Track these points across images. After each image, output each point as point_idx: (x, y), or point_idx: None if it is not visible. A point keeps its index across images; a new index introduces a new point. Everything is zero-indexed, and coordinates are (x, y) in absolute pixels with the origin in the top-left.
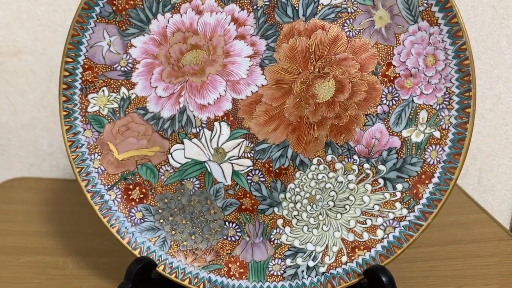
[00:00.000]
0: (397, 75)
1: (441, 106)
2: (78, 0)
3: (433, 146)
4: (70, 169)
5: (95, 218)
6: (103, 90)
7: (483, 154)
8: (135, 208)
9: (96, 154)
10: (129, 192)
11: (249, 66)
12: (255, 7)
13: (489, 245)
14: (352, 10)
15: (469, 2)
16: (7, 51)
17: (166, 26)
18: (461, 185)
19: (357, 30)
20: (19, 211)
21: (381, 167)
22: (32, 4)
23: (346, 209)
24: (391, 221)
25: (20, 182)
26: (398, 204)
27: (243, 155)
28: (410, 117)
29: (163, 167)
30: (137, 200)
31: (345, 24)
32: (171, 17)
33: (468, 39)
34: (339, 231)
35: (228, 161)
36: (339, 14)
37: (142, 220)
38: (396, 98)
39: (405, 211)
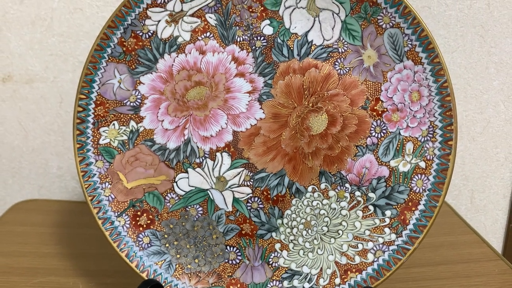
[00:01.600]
0: (385, 109)
1: (425, 139)
2: (87, 31)
3: (419, 176)
4: (78, 191)
5: (103, 240)
6: (113, 124)
7: (475, 176)
8: (143, 234)
9: (107, 183)
10: (137, 218)
11: (248, 101)
12: (253, 47)
13: (478, 265)
14: (343, 50)
15: (458, 32)
16: (20, 79)
17: (172, 64)
18: (455, 205)
19: (348, 68)
20: (31, 232)
21: (371, 194)
22: (44, 36)
23: (339, 234)
24: (380, 245)
25: (31, 204)
26: (387, 230)
27: (243, 183)
28: (398, 148)
29: (168, 194)
30: (145, 225)
31: (336, 63)
32: (177, 56)
33: (449, 77)
34: (332, 254)
35: (229, 189)
36: (330, 53)
37: (149, 245)
38: (384, 131)
39: (393, 236)
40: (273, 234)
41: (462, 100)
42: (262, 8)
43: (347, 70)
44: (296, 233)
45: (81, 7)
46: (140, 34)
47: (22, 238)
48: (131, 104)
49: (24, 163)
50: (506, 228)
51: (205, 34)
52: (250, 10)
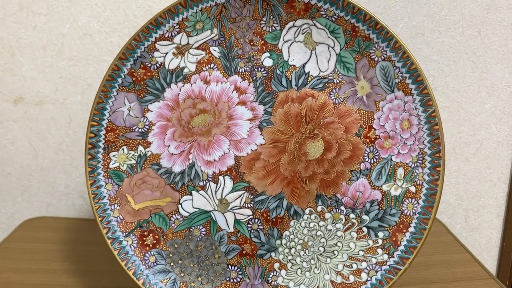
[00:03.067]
0: (377, 136)
1: (415, 165)
2: (96, 56)
3: (409, 199)
4: (85, 208)
5: (111, 258)
6: (123, 149)
7: (469, 195)
8: (149, 253)
9: (115, 205)
10: (144, 238)
11: (250, 128)
12: (254, 78)
13: (470, 284)
14: (338, 81)
15: (450, 58)
16: (31, 100)
17: (179, 93)
18: (450, 224)
19: (342, 97)
20: (39, 249)
21: (364, 217)
22: (54, 60)
23: (334, 254)
24: (374, 265)
25: (39, 221)
26: (380, 250)
27: (244, 205)
28: (389, 173)
29: (173, 215)
30: (151, 245)
31: (332, 93)
32: (183, 86)
33: (437, 107)
34: (328, 274)
35: (231, 210)
36: (326, 84)
37: (155, 263)
38: (377, 157)
39: (386, 257)
40: (272, 254)
41: (456, 123)
42: (263, 41)
43: (341, 100)
44: (294, 253)
45: (90, 33)
46: (149, 65)
47: (31, 255)
48: (140, 130)
49: (33, 181)
50: (500, 246)
51: (209, 65)
52: (251, 43)
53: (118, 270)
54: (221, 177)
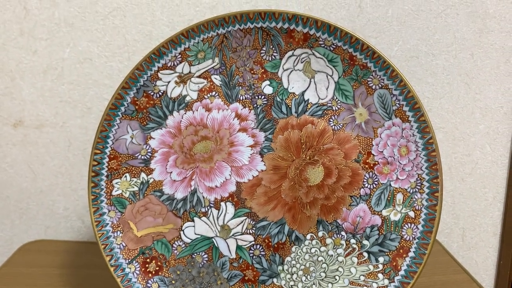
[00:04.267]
0: (376, 162)
1: (414, 190)
2: (96, 80)
3: (409, 224)
4: (84, 231)
5: (112, 282)
6: (125, 176)
7: (466, 214)
8: (152, 280)
9: (118, 232)
10: (147, 265)
11: (251, 154)
12: (255, 105)
13: None
14: (336, 108)
15: (445, 80)
16: (31, 124)
17: (181, 121)
18: (447, 243)
19: (341, 124)
20: (39, 274)
21: (365, 242)
22: (54, 84)
23: (336, 279)
24: None
25: (38, 245)
26: (380, 275)
27: (245, 231)
28: (389, 198)
29: (176, 242)
30: (153, 272)
31: (331, 120)
32: (185, 113)
33: (434, 134)
34: None
35: (233, 237)
36: (325, 111)
37: None
38: (376, 182)
39: (386, 281)
40: (274, 280)
41: (451, 143)
42: (263, 70)
43: (340, 126)
44: (296, 278)
45: (90, 57)
46: (152, 93)
47: (31, 279)
48: (142, 157)
49: (32, 204)
50: (497, 265)
51: (211, 93)
52: (252, 72)
53: None
54: (222, 203)
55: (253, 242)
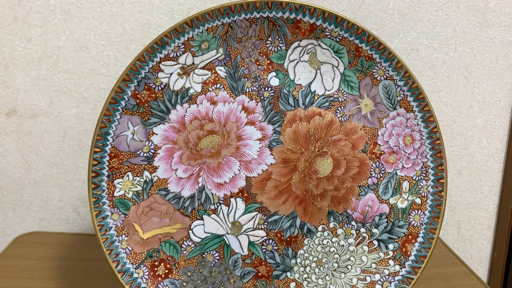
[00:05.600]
0: (382, 152)
1: (419, 178)
2: (92, 69)
3: (416, 211)
4: (79, 223)
5: (111, 275)
6: (127, 175)
7: (461, 207)
8: (162, 283)
9: (123, 235)
10: (155, 269)
11: (259, 148)
12: (262, 97)
13: None
14: (343, 99)
15: (444, 73)
16: (24, 113)
17: (185, 115)
18: (442, 236)
19: (348, 115)
20: (35, 267)
21: (374, 230)
22: (49, 72)
23: (348, 269)
24: (387, 277)
25: (32, 237)
26: (391, 262)
27: (257, 226)
28: (395, 187)
29: (185, 242)
30: (163, 275)
31: (337, 111)
32: (189, 107)
33: (437, 123)
34: None
35: (244, 233)
36: (332, 102)
37: None
38: (382, 171)
39: (397, 267)
40: (288, 274)
41: (449, 136)
42: (269, 61)
43: (347, 117)
44: (309, 271)
45: (87, 46)
46: (153, 86)
47: (27, 272)
48: (145, 154)
49: (25, 196)
50: (491, 257)
51: (215, 86)
52: (258, 63)
53: (117, 287)
54: (232, 199)
55: (266, 237)
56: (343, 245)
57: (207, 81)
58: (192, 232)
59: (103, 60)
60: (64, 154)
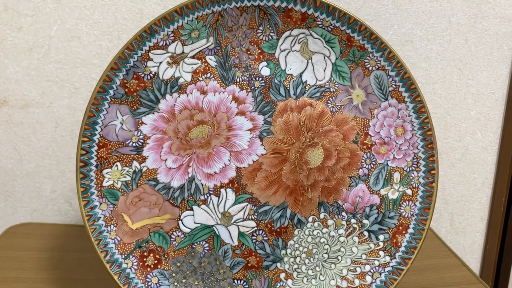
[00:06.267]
0: (373, 143)
1: (411, 169)
2: (84, 59)
3: (407, 202)
4: (71, 214)
5: (100, 265)
6: (116, 165)
7: (454, 199)
8: (151, 274)
9: (112, 226)
10: (144, 259)
11: (250, 138)
12: (252, 87)
13: None
14: (334, 90)
15: (438, 65)
16: (16, 104)
17: (174, 104)
18: (435, 228)
19: (339, 106)
20: (27, 257)
21: (365, 221)
22: (41, 62)
23: (338, 260)
24: (377, 268)
25: (24, 228)
26: (381, 253)
27: (247, 217)
28: (386, 178)
29: (174, 233)
30: (152, 266)
31: (329, 101)
32: (179, 96)
33: (429, 113)
34: (334, 279)
35: (234, 223)
36: (323, 93)
37: (158, 285)
38: (373, 162)
39: (388, 258)
40: (278, 264)
41: (443, 128)
42: (259, 50)
43: (338, 108)
44: (299, 261)
45: (79, 36)
46: (142, 75)
47: (19, 263)
48: (134, 144)
49: (17, 187)
50: (483, 249)
51: (205, 75)
52: (248, 52)
53: (108, 278)
54: (223, 190)
55: (256, 228)
56: (334, 236)
57: (197, 71)
58: (182, 222)
59: (95, 50)
60: (56, 145)
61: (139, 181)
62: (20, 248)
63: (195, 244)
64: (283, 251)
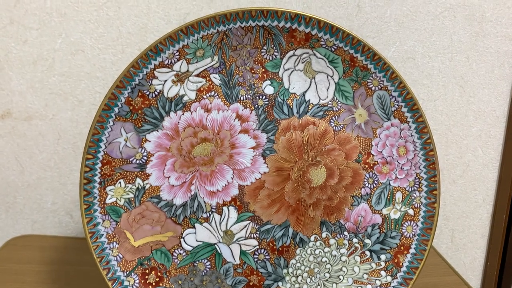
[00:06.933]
0: (376, 162)
1: (413, 189)
2: (88, 72)
3: (408, 222)
4: (72, 226)
5: (100, 278)
6: (119, 182)
7: (455, 216)
8: None
9: (114, 243)
10: (146, 277)
11: (253, 156)
12: (256, 106)
13: None
14: (337, 109)
15: (440, 82)
16: (19, 116)
17: (178, 122)
18: (436, 244)
19: (342, 125)
20: (28, 270)
21: (367, 240)
22: (45, 75)
23: (340, 279)
24: (378, 287)
25: (25, 240)
26: (383, 272)
27: (249, 236)
28: (388, 197)
29: (176, 250)
30: (154, 283)
31: (332, 120)
32: (183, 114)
33: (431, 134)
34: None
35: (236, 242)
36: (326, 112)
37: None
38: (376, 182)
39: (389, 278)
40: (280, 283)
41: (444, 145)
42: (263, 69)
43: (341, 127)
44: (301, 281)
45: (83, 49)
46: (147, 93)
47: (19, 276)
48: (137, 161)
49: (19, 198)
50: (484, 266)
51: (210, 93)
52: (252, 71)
53: None
54: (225, 208)
55: (258, 247)
56: (335, 255)
57: (202, 89)
58: (184, 240)
59: (99, 63)
60: (58, 157)
61: (142, 198)
62: (20, 260)
63: (197, 262)
64: (285, 270)
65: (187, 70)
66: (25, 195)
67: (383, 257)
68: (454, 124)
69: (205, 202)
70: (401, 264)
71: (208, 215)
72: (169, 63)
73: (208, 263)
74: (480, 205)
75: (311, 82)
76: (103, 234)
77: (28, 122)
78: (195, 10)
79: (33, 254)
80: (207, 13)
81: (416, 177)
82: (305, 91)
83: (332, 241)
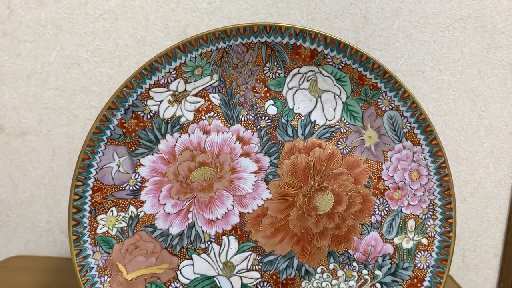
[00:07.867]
0: (387, 187)
1: (426, 216)
2: (84, 86)
3: (422, 252)
4: (67, 245)
5: None
6: (111, 211)
7: (466, 235)
8: None
9: (105, 276)
10: None
11: (255, 181)
12: (258, 127)
13: None
14: (345, 130)
15: (450, 96)
16: (12, 131)
17: (175, 145)
18: None
19: (350, 147)
20: None
21: (377, 272)
22: (39, 89)
23: None
24: None
25: (17, 261)
26: None
27: (251, 267)
28: (400, 225)
29: (172, 284)
30: None
31: (339, 142)
32: (180, 136)
33: (446, 158)
34: None
35: (237, 274)
36: (333, 133)
37: None
38: (387, 209)
39: None
40: None
41: (454, 161)
42: (266, 88)
43: (349, 150)
44: None
45: (78, 62)
46: (142, 114)
47: None
48: (131, 188)
49: (12, 216)
50: (497, 287)
51: (209, 114)
52: (254, 90)
53: None
54: (225, 238)
55: (260, 280)
56: None
57: (200, 109)
58: (181, 272)
59: (95, 77)
60: (52, 174)
61: (136, 228)
62: (13, 284)
63: None
64: None
65: (185, 90)
66: (18, 213)
67: None
68: (465, 140)
69: (203, 231)
70: None
71: (206, 245)
72: (165, 82)
73: None
74: (493, 224)
75: (317, 101)
76: (93, 267)
77: (21, 138)
78: (195, 22)
79: (25, 276)
80: (208, 24)
81: (430, 204)
82: (311, 111)
83: (340, 272)
